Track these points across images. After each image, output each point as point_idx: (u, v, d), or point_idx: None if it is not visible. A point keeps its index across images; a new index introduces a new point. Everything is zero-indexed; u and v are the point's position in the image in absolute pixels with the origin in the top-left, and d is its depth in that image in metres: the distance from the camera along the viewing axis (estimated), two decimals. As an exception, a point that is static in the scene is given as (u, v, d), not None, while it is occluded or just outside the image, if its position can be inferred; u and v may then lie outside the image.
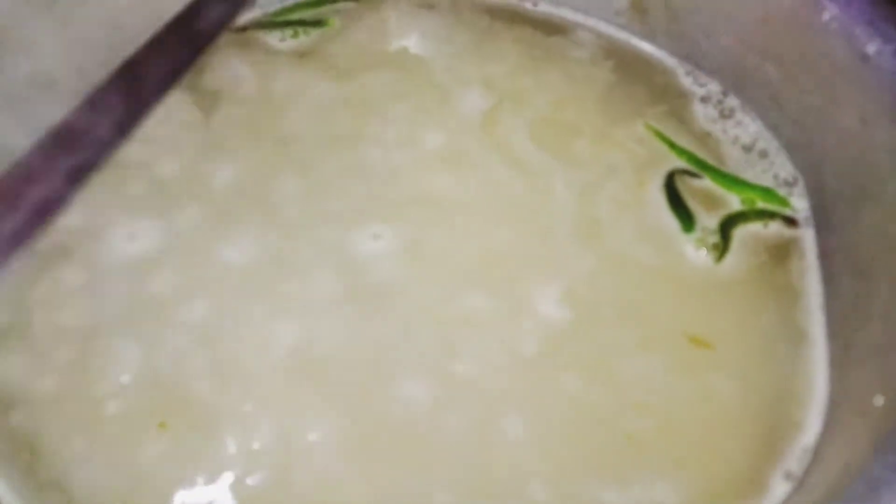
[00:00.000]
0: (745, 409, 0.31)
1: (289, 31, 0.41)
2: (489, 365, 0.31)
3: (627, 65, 0.41)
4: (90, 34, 0.36)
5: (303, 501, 0.29)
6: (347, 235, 0.34)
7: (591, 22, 0.42)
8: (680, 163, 0.37)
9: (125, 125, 0.25)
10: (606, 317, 0.33)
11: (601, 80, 0.40)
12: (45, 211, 0.22)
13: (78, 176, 0.23)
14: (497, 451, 0.30)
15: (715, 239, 0.35)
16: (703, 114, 0.39)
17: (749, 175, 0.37)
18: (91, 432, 0.30)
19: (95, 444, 0.29)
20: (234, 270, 0.33)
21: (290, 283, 0.33)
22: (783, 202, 0.37)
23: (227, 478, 0.29)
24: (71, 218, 0.33)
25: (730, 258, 0.35)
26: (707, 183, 0.37)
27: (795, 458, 0.30)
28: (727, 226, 0.35)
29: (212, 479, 0.29)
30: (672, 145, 0.38)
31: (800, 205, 0.36)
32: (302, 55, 0.40)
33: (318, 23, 0.42)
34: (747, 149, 0.38)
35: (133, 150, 0.34)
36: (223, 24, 0.28)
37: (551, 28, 0.42)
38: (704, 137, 0.38)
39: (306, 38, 0.41)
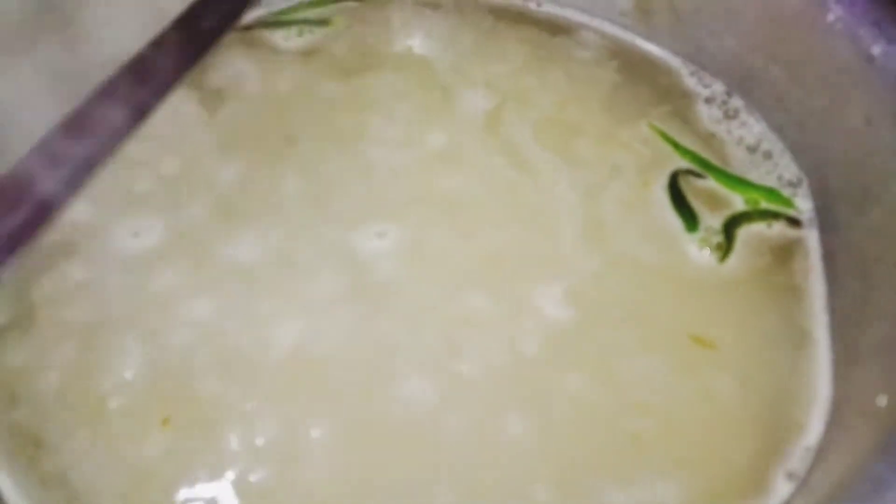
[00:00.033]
0: (748, 409, 0.31)
1: (294, 30, 0.41)
2: (492, 364, 0.31)
3: (632, 65, 0.41)
4: (95, 33, 0.36)
5: (305, 498, 0.29)
6: (351, 234, 0.34)
7: (595, 22, 0.43)
8: (684, 163, 0.37)
9: (130, 122, 0.25)
10: (610, 317, 0.33)
11: (605, 81, 0.40)
12: (50, 207, 0.23)
13: (83, 172, 0.23)
14: (499, 450, 0.30)
15: (719, 239, 0.35)
16: (707, 114, 0.39)
17: (753, 176, 0.37)
18: (94, 428, 0.30)
19: (98, 439, 0.30)
20: (238, 268, 0.33)
21: (294, 282, 0.33)
22: (787, 203, 0.36)
23: (230, 474, 0.29)
24: (76, 214, 0.33)
25: (733, 258, 0.35)
26: (711, 183, 0.37)
27: (798, 458, 0.30)
28: (731, 226, 0.35)
29: (214, 475, 0.29)
30: (676, 145, 0.38)
31: (804, 205, 0.36)
32: (307, 54, 0.40)
33: (322, 22, 0.42)
34: (752, 149, 0.38)
35: (138, 147, 0.34)
36: (228, 22, 0.29)
37: (555, 28, 0.42)
38: (709, 138, 0.38)
39: (311, 37, 0.41)
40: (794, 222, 0.36)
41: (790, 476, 0.30)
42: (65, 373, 0.31)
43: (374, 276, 0.33)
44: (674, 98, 0.40)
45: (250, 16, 0.41)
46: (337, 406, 0.30)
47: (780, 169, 0.38)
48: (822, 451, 0.30)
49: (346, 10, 0.42)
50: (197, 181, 0.35)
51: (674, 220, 0.36)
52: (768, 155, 0.38)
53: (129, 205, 0.34)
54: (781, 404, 0.31)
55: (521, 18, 0.43)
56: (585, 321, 0.33)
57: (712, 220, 0.36)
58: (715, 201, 0.36)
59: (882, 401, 0.27)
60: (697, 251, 0.35)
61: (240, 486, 0.29)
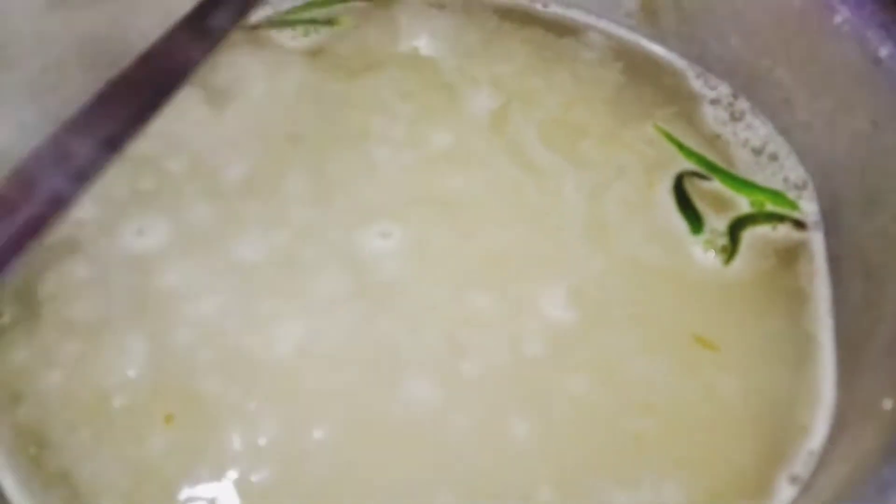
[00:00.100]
0: (751, 412, 0.31)
1: (300, 30, 0.41)
2: (494, 364, 0.31)
3: (637, 67, 0.41)
4: (102, 30, 0.36)
5: (307, 498, 0.29)
6: (355, 234, 0.34)
7: (601, 23, 0.42)
8: (689, 164, 0.37)
9: (138, 120, 0.25)
10: (614, 318, 0.33)
11: (611, 82, 0.40)
12: (56, 206, 0.23)
13: (90, 171, 0.23)
14: (501, 450, 0.30)
15: (723, 241, 0.35)
16: (713, 116, 0.39)
17: (759, 178, 0.37)
18: (97, 426, 0.30)
19: (101, 437, 0.30)
20: (242, 267, 0.33)
21: (297, 281, 0.33)
22: (792, 205, 0.36)
23: (232, 473, 0.29)
24: (80, 212, 0.33)
25: (738, 260, 0.35)
26: (716, 185, 0.37)
27: (801, 461, 0.30)
28: (736, 228, 0.35)
29: (217, 474, 0.29)
30: (681, 147, 0.38)
31: (809, 208, 0.36)
32: (313, 54, 0.40)
33: (328, 22, 0.42)
34: (757, 151, 0.38)
35: (144, 145, 0.34)
36: (235, 21, 0.29)
37: (561, 29, 0.42)
38: (714, 140, 0.38)
39: (317, 36, 0.41)
40: (800, 225, 0.36)
41: (793, 479, 0.30)
42: (68, 371, 0.31)
43: (377, 276, 0.33)
44: (679, 99, 0.40)
45: (257, 15, 0.41)
46: (339, 406, 0.30)
47: (785, 171, 0.37)
48: (825, 455, 0.30)
49: (352, 9, 0.42)
50: (202, 180, 0.35)
51: (678, 222, 0.35)
52: (774, 157, 0.38)
53: (134, 203, 0.34)
54: (785, 407, 0.31)
55: (526, 19, 0.42)
56: (588, 322, 0.32)
57: (717, 223, 0.36)
58: (720, 203, 0.36)
59: (887, 404, 0.27)
60: (702, 253, 0.35)
61: (242, 486, 0.29)
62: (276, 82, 0.39)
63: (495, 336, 0.32)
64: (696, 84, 0.40)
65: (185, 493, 0.29)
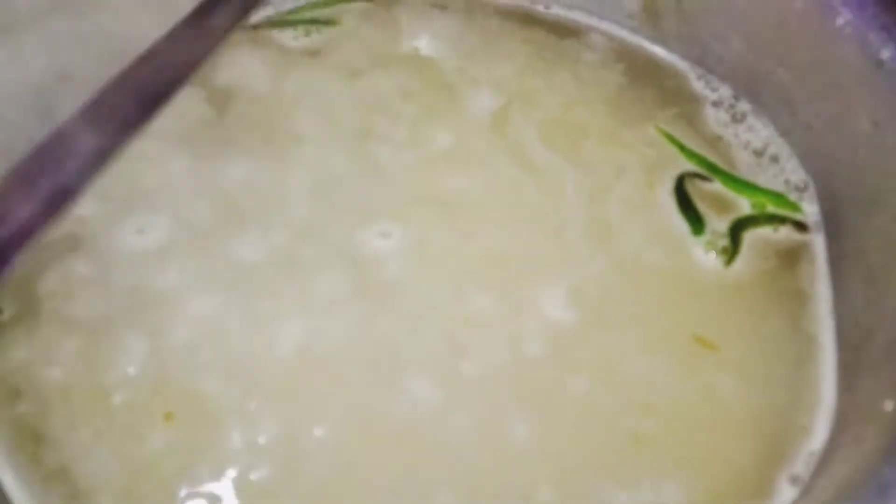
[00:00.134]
0: (752, 412, 0.31)
1: (301, 30, 0.41)
2: (495, 364, 0.31)
3: (639, 68, 0.41)
4: (105, 28, 0.36)
5: (306, 497, 0.29)
6: (356, 233, 0.34)
7: (603, 25, 0.43)
8: (690, 166, 0.37)
9: (139, 118, 0.25)
10: (614, 318, 0.33)
11: (612, 83, 0.40)
12: (56, 203, 0.23)
13: (91, 168, 0.23)
14: (501, 451, 0.30)
15: (724, 242, 0.35)
16: (714, 118, 0.39)
17: (760, 180, 0.37)
18: (97, 423, 0.30)
19: (101, 434, 0.30)
20: (243, 266, 0.33)
21: (298, 280, 0.33)
22: (794, 207, 0.36)
23: (232, 472, 0.29)
24: (81, 209, 0.33)
25: (739, 262, 0.35)
26: (717, 186, 0.37)
27: (802, 462, 0.30)
28: (737, 229, 0.35)
29: (216, 472, 0.29)
30: (682, 148, 0.38)
31: (810, 209, 0.36)
32: (314, 54, 0.40)
33: (330, 22, 0.42)
34: (758, 153, 0.38)
35: (146, 144, 0.34)
36: (236, 21, 0.29)
37: (563, 31, 0.42)
38: (715, 141, 0.38)
39: (319, 36, 0.41)
40: (801, 226, 0.36)
41: (794, 480, 0.30)
42: (68, 368, 0.31)
43: (378, 276, 0.33)
44: (681, 101, 0.40)
45: (258, 15, 0.41)
46: (339, 405, 0.30)
47: (786, 173, 0.37)
48: (826, 456, 0.30)
49: (354, 10, 0.42)
50: (203, 179, 0.35)
51: (680, 223, 0.35)
52: (775, 159, 0.38)
53: (135, 201, 0.34)
54: (786, 408, 0.31)
55: (528, 20, 0.43)
56: (589, 322, 0.32)
57: (718, 224, 0.36)
58: (721, 205, 0.36)
59: (888, 405, 0.27)
60: (703, 254, 0.35)
61: (241, 484, 0.29)
62: (277, 82, 0.39)
63: (495, 336, 0.32)
64: (698, 86, 0.40)
65: (184, 491, 0.29)
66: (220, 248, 0.33)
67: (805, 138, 0.37)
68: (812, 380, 0.32)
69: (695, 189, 0.36)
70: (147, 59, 0.26)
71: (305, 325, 0.32)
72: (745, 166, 0.38)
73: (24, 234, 0.22)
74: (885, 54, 0.33)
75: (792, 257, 0.35)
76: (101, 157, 0.24)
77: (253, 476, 0.29)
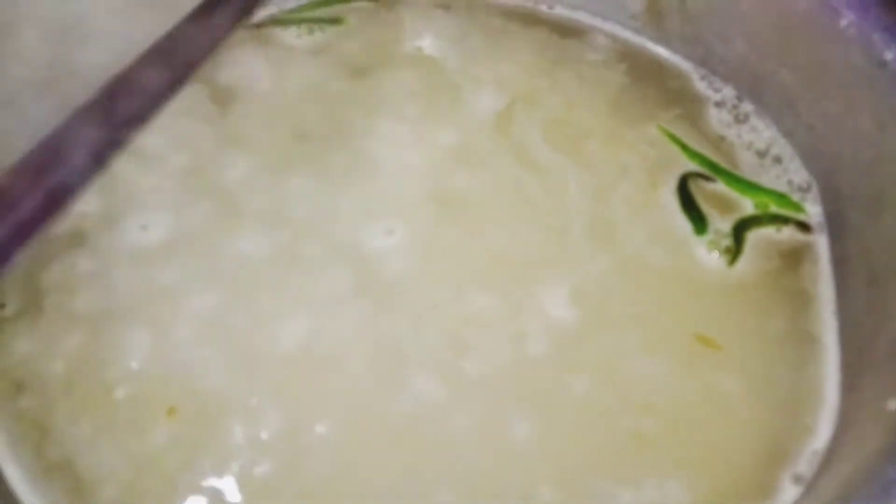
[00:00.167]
0: (754, 411, 0.31)
1: (304, 29, 0.41)
2: (497, 363, 0.31)
3: (642, 68, 0.41)
4: (108, 25, 0.36)
5: (307, 493, 0.29)
6: (359, 231, 0.34)
7: (606, 25, 0.43)
8: (693, 166, 0.37)
9: (142, 115, 0.25)
10: (616, 317, 0.33)
11: (615, 83, 0.40)
12: (60, 198, 0.23)
13: (94, 164, 0.23)
14: (503, 450, 0.30)
15: (728, 242, 0.35)
16: (717, 118, 0.39)
17: (763, 180, 0.37)
18: (99, 416, 0.30)
19: (104, 428, 0.30)
20: (246, 264, 0.33)
21: (301, 278, 0.33)
22: (797, 207, 0.36)
23: (234, 467, 0.29)
24: (85, 205, 0.33)
25: (742, 262, 0.35)
26: (720, 187, 0.37)
27: (805, 461, 0.30)
28: (740, 229, 0.35)
29: (218, 467, 0.29)
30: (685, 148, 0.38)
31: (813, 210, 0.36)
32: (317, 52, 0.40)
33: (333, 21, 0.42)
34: (761, 154, 0.38)
35: (149, 141, 0.35)
36: (240, 19, 0.29)
37: (566, 31, 0.42)
38: (718, 142, 0.38)
39: (322, 35, 0.41)
40: (804, 227, 0.36)
41: (797, 479, 0.30)
42: (71, 362, 0.31)
43: (380, 274, 0.33)
44: (684, 101, 0.40)
45: (262, 14, 0.41)
46: (341, 402, 0.30)
47: (789, 174, 0.37)
48: (829, 455, 0.30)
49: (357, 9, 0.42)
50: (206, 176, 0.35)
51: (682, 223, 0.35)
52: (778, 159, 0.38)
53: (139, 198, 0.34)
54: (789, 407, 0.31)
55: (531, 20, 0.43)
56: (591, 321, 0.32)
57: (721, 224, 0.36)
58: (724, 205, 0.36)
59: (892, 405, 0.27)
60: (706, 254, 0.35)
61: (243, 479, 0.29)
62: (280, 80, 0.39)
63: (497, 335, 0.32)
64: (701, 86, 0.40)
65: (186, 484, 0.29)
66: (223, 245, 0.33)
67: (808, 139, 0.37)
68: (815, 380, 0.32)
69: (698, 189, 0.36)
70: (150, 56, 0.26)
71: (308, 323, 0.32)
72: (747, 167, 0.38)
73: (27, 228, 0.22)
74: (889, 55, 0.33)
75: (795, 258, 0.35)
76: (104, 154, 0.24)
77: (255, 471, 0.29)
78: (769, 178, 0.37)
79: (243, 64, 0.39)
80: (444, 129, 0.38)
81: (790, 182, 0.37)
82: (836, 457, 0.29)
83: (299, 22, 0.42)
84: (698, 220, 0.35)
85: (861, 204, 0.34)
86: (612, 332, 0.32)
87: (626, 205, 0.36)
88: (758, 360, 0.32)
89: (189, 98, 0.36)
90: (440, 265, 0.34)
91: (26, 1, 0.34)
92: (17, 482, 0.29)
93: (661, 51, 0.42)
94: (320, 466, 0.29)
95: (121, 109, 0.25)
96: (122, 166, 0.29)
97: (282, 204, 0.35)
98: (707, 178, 0.37)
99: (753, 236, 0.35)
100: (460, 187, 0.36)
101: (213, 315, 0.32)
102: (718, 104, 0.40)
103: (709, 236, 0.35)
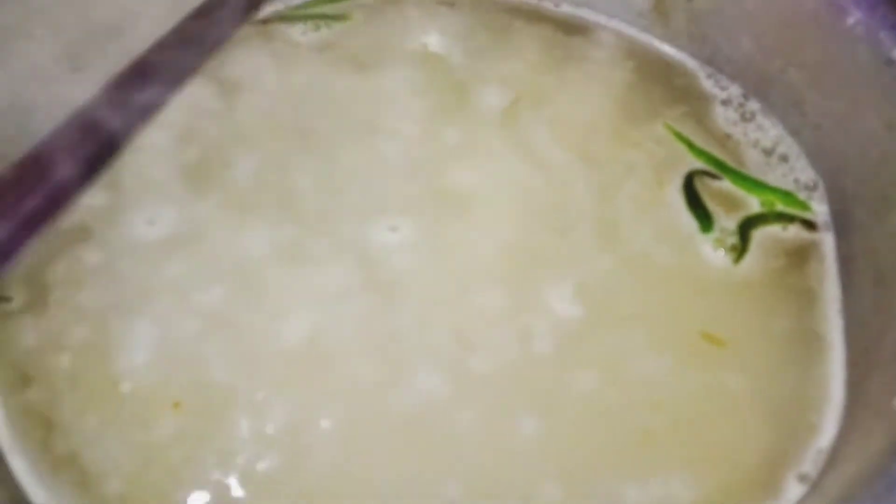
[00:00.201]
0: (759, 409, 0.31)
1: (310, 25, 0.41)
2: (502, 360, 0.31)
3: (648, 66, 0.41)
4: (114, 20, 0.37)
5: (312, 488, 0.29)
6: (364, 227, 0.34)
7: (612, 23, 0.43)
8: (699, 164, 0.37)
9: (149, 108, 0.25)
10: (622, 315, 0.33)
11: (621, 81, 0.40)
12: (67, 192, 0.23)
13: (99, 159, 0.23)
14: (509, 446, 0.30)
15: (733, 240, 0.35)
16: (723, 116, 0.39)
17: (769, 179, 0.37)
18: (105, 410, 0.30)
19: (109, 421, 0.30)
20: (251, 258, 0.33)
21: (307, 273, 0.33)
22: (803, 206, 0.36)
23: (238, 461, 0.29)
24: (92, 199, 0.33)
25: (748, 260, 0.34)
26: (726, 185, 0.37)
27: (810, 459, 0.30)
28: (746, 227, 0.35)
29: (223, 461, 0.29)
30: (691, 146, 0.38)
31: (820, 209, 0.36)
32: (323, 48, 0.40)
33: (339, 17, 0.42)
34: (768, 152, 0.38)
35: (156, 136, 0.35)
36: (246, 15, 0.29)
37: (572, 28, 0.42)
38: (724, 140, 0.38)
39: (328, 31, 0.41)
40: (810, 225, 0.36)
41: (802, 478, 0.30)
42: (77, 355, 0.31)
43: (385, 270, 0.33)
44: (690, 99, 0.40)
45: (268, 10, 0.41)
46: (346, 398, 0.30)
47: (796, 172, 0.37)
48: (834, 454, 0.30)
49: (363, 5, 0.42)
50: (213, 172, 0.35)
51: (688, 221, 0.35)
52: (784, 158, 0.38)
53: (145, 192, 0.34)
54: (794, 405, 0.31)
55: (537, 17, 0.43)
56: (597, 318, 0.32)
57: (727, 222, 0.35)
58: (730, 203, 0.36)
59: (897, 403, 0.27)
60: (712, 252, 0.35)
61: (247, 473, 0.29)
62: (286, 76, 0.39)
63: (503, 332, 0.32)
64: (707, 84, 0.40)
65: (190, 478, 0.29)
66: (229, 239, 0.34)
67: (815, 138, 0.37)
68: (820, 378, 0.32)
69: (704, 187, 0.36)
70: (156, 51, 0.26)
71: (313, 318, 0.32)
72: (754, 165, 0.38)
73: (34, 222, 0.22)
74: (896, 54, 0.33)
75: (801, 256, 0.35)
76: (110, 148, 0.24)
77: (260, 465, 0.29)
78: (775, 176, 0.37)
79: (249, 60, 0.39)
80: (450, 126, 0.38)
81: (796, 180, 0.37)
82: (840, 455, 0.29)
83: (305, 18, 0.42)
84: (704, 218, 0.35)
85: (867, 202, 0.34)
86: (618, 329, 0.32)
87: (631, 202, 0.36)
88: (763, 359, 0.32)
89: (195, 93, 0.36)
90: (445, 262, 0.34)
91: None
92: (24, 474, 0.29)
93: (668, 49, 0.42)
94: (325, 461, 0.29)
95: (126, 104, 0.25)
96: (129, 161, 0.29)
97: (287, 199, 0.35)
98: (713, 176, 0.37)
99: (759, 234, 0.35)
100: (465, 184, 0.36)
101: (218, 309, 0.32)
102: (725, 102, 0.40)
103: (714, 234, 0.35)
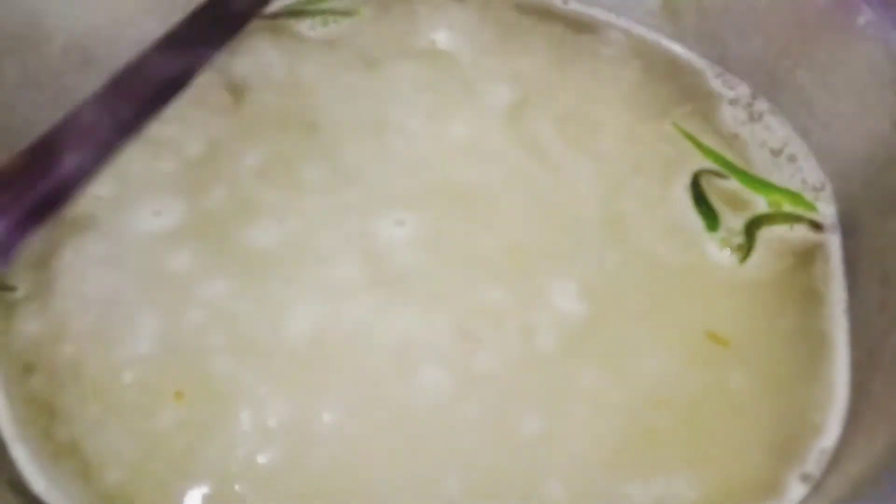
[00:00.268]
0: (763, 409, 0.31)
1: (319, 20, 0.41)
2: (506, 357, 0.31)
3: (657, 65, 0.41)
4: (123, 13, 0.37)
5: (313, 481, 0.29)
6: (370, 222, 0.34)
7: (621, 21, 0.42)
8: (706, 163, 0.37)
9: (156, 102, 0.25)
10: (626, 313, 0.33)
11: (629, 79, 0.40)
12: (73, 181, 0.23)
13: (106, 150, 0.24)
14: (512, 444, 0.30)
15: (739, 240, 0.35)
16: (731, 116, 0.39)
17: (776, 179, 0.37)
18: (108, 399, 0.30)
19: (112, 410, 0.30)
20: (257, 252, 0.33)
21: (312, 267, 0.33)
22: (810, 206, 0.36)
23: (240, 452, 0.29)
24: (99, 189, 0.33)
25: (754, 259, 0.34)
26: (733, 184, 0.37)
27: (814, 459, 0.30)
28: (752, 227, 0.35)
29: (224, 452, 0.29)
30: (699, 145, 0.37)
31: (826, 210, 0.36)
32: (331, 44, 0.40)
33: (348, 12, 0.42)
34: (776, 152, 0.38)
35: (164, 128, 0.35)
36: (255, 9, 0.29)
37: (581, 26, 0.42)
38: (732, 139, 0.38)
39: (336, 26, 0.41)
40: (817, 226, 0.36)
41: (805, 478, 0.29)
42: (80, 344, 0.31)
43: (391, 265, 0.33)
44: (698, 98, 0.40)
45: (277, 4, 0.42)
46: (349, 392, 0.30)
47: (803, 173, 0.37)
48: (838, 454, 0.29)
49: (372, 1, 0.42)
50: (220, 165, 0.36)
51: (695, 220, 0.35)
52: (792, 158, 0.38)
53: (152, 184, 0.34)
54: (798, 405, 0.31)
55: (546, 15, 0.42)
56: (601, 316, 0.32)
57: (734, 221, 0.35)
58: (737, 202, 0.36)
59: (902, 404, 0.27)
60: (718, 251, 0.35)
61: (248, 465, 0.29)
62: (294, 71, 0.39)
63: (507, 328, 0.32)
64: (716, 83, 0.40)
65: (192, 468, 0.29)
66: (235, 233, 0.34)
67: (823, 138, 0.37)
68: (825, 378, 0.32)
69: (710, 186, 0.36)
70: (164, 43, 0.26)
71: (318, 312, 0.32)
72: (761, 165, 0.37)
73: (40, 210, 0.22)
74: (907, 54, 0.32)
75: (807, 256, 0.35)
76: (118, 139, 0.24)
77: (261, 458, 0.29)
78: (782, 176, 0.37)
79: (258, 54, 0.39)
80: (457, 122, 0.38)
81: (804, 181, 0.37)
82: (844, 455, 0.29)
83: (314, 13, 0.42)
84: (710, 217, 0.35)
85: (875, 204, 0.34)
86: (622, 327, 0.32)
87: (638, 200, 0.36)
88: (768, 358, 0.32)
89: (203, 87, 0.36)
90: (450, 257, 0.34)
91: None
92: (25, 463, 0.29)
93: (676, 47, 0.42)
94: (326, 455, 0.29)
95: (134, 96, 0.25)
96: (136, 153, 0.29)
97: (294, 193, 0.35)
98: (720, 176, 0.37)
99: (765, 234, 0.35)
100: (472, 180, 0.36)
101: (223, 302, 0.32)
102: (733, 102, 0.39)
103: (721, 233, 0.35)
